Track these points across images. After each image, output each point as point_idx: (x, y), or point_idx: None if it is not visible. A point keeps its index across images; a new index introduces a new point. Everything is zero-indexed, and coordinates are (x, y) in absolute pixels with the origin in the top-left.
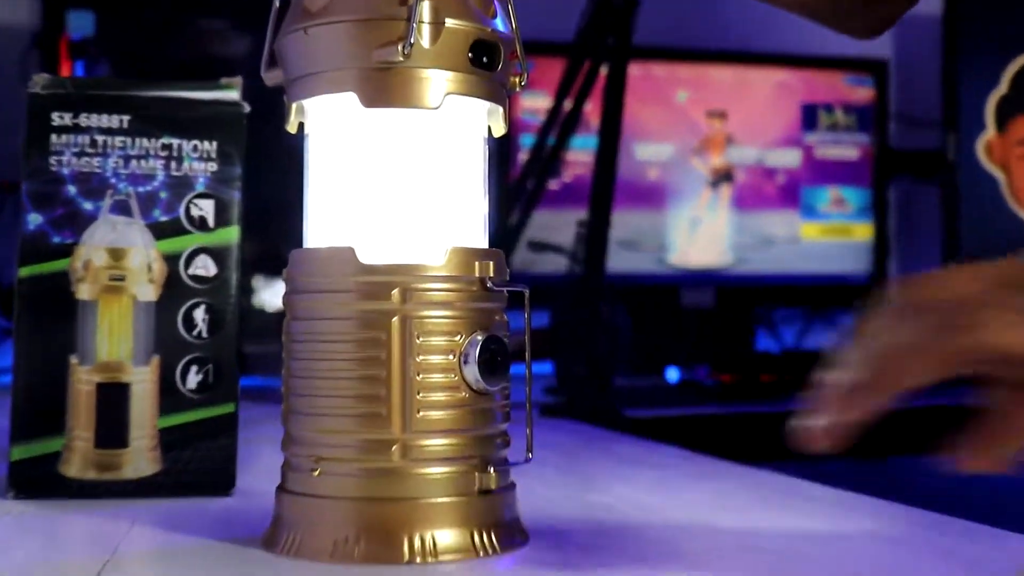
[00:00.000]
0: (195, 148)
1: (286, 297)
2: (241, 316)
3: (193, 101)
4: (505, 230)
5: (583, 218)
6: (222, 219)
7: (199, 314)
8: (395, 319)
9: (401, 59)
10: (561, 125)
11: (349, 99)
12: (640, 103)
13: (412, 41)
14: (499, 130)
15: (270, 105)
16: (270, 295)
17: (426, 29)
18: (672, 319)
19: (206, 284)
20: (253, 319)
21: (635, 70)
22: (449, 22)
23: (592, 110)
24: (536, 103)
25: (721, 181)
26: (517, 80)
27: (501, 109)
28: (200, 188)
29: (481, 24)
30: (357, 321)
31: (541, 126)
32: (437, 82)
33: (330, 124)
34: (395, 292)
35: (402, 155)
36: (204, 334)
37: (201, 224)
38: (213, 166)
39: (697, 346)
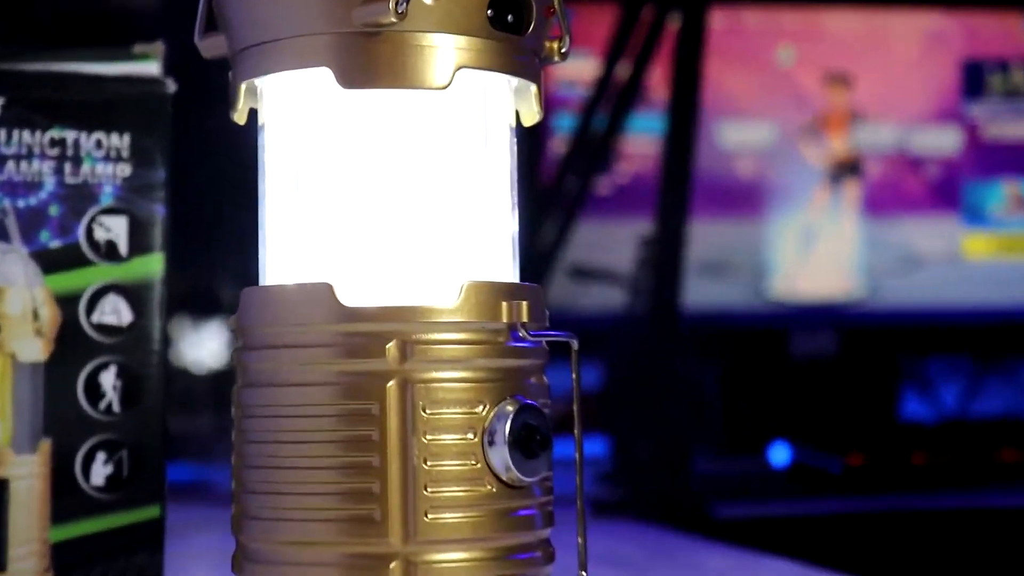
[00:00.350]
0: (98, 144)
1: (236, 355)
2: (168, 380)
3: (94, 78)
4: (535, 251)
5: (647, 232)
6: (139, 244)
7: (108, 379)
8: (391, 384)
9: (394, 20)
10: (614, 100)
11: (322, 77)
12: (726, 66)
13: None
14: (530, 116)
15: (206, 83)
16: (202, 349)
17: None
18: (777, 375)
19: (118, 336)
20: (178, 383)
21: (718, 20)
22: None
23: (657, 78)
24: (577, 70)
25: (844, 175)
26: (555, 46)
27: (533, 88)
28: (107, 201)
29: None
30: (338, 388)
31: (585, 102)
32: (444, 52)
33: (295, 112)
34: (391, 346)
35: (397, 154)
36: (116, 407)
37: (109, 252)
38: (125, 169)
39: (814, 414)
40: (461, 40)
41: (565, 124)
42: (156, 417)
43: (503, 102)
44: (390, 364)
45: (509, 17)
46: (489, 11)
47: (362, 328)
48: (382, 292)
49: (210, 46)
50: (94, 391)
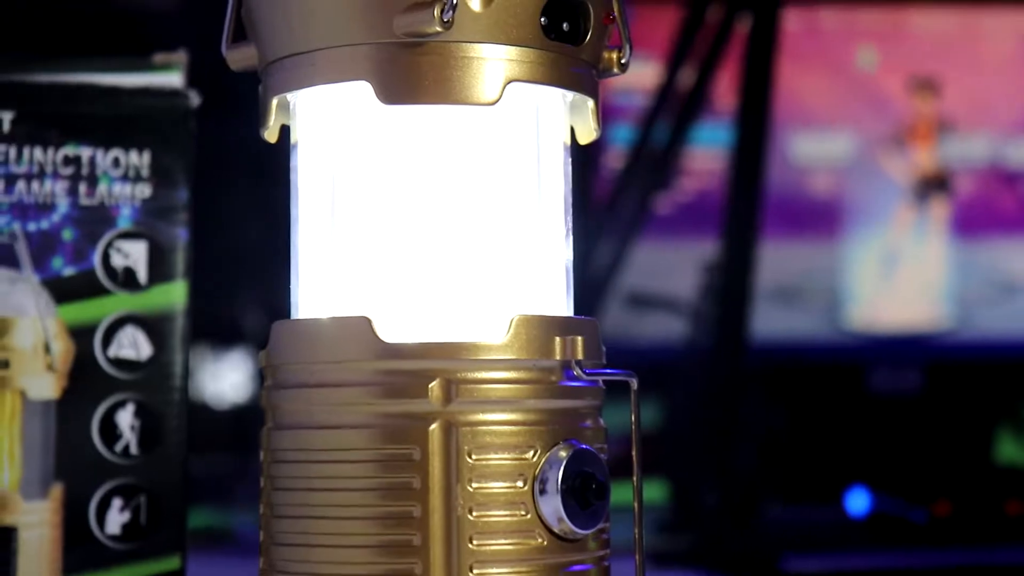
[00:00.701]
0: (116, 162)
1: (266, 394)
2: (189, 419)
3: (112, 90)
4: (589, 277)
5: (711, 255)
6: (160, 272)
7: (125, 418)
8: (434, 427)
9: (439, 29)
10: (676, 110)
11: (360, 92)
12: (800, 72)
13: (456, 2)
14: (587, 133)
15: (234, 97)
16: (225, 384)
17: None
18: (855, 414)
19: (136, 372)
20: (200, 421)
21: (792, 20)
22: None
23: (724, 86)
24: (636, 76)
25: (932, 192)
26: (614, 57)
27: (591, 103)
28: (125, 224)
29: None
30: (377, 431)
31: (644, 112)
32: (493, 64)
33: (331, 130)
34: (434, 386)
35: (442, 176)
36: (133, 449)
37: (127, 280)
38: (145, 190)
39: (896, 457)
40: (512, 51)
41: (622, 136)
42: (177, 460)
43: (557, 118)
44: (433, 405)
45: (564, 25)
46: (543, 19)
47: (403, 366)
48: (424, 327)
49: (239, 57)
50: (110, 432)
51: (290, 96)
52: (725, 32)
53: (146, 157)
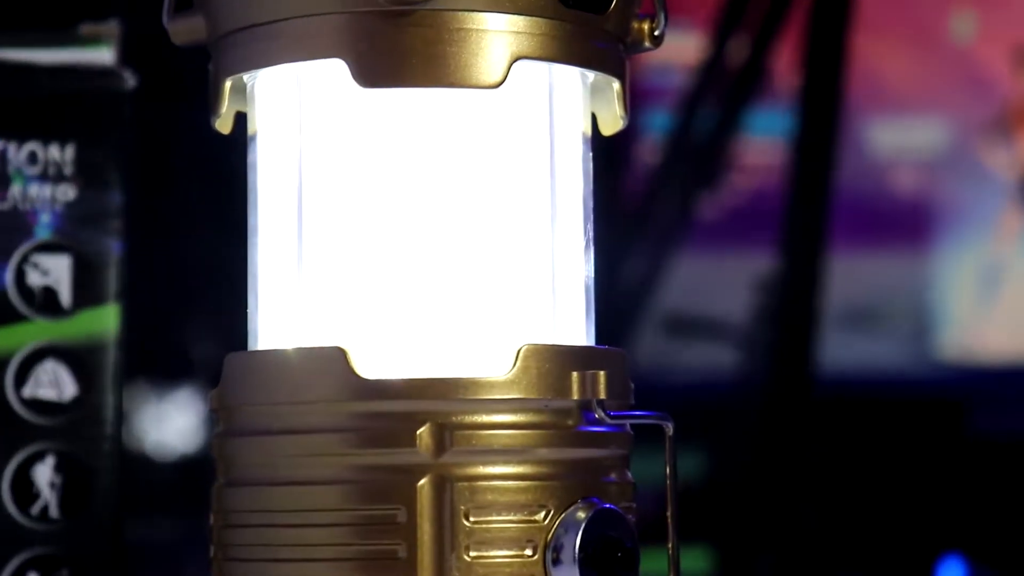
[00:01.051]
0: (32, 158)
1: (217, 442)
2: (123, 474)
3: (26, 69)
4: (617, 297)
5: (768, 270)
6: (87, 293)
7: (44, 473)
8: (424, 482)
9: None
10: (725, 92)
11: (334, 72)
12: (879, 44)
13: None
14: (612, 122)
15: (177, 78)
16: (167, 431)
17: None
18: (949, 462)
19: (58, 416)
20: (137, 476)
21: None
22: None
23: (785, 62)
24: (676, 50)
25: None
26: (645, 28)
27: (616, 84)
28: (44, 234)
29: None
30: (354, 487)
31: (686, 95)
32: (497, 37)
33: (297, 118)
34: (423, 432)
35: (433, 175)
36: (54, 513)
37: (47, 303)
38: (68, 192)
39: (998, 517)
40: (519, 21)
41: (658, 124)
42: (108, 525)
43: (575, 104)
44: (422, 455)
45: None
46: None
47: (385, 407)
48: (411, 359)
49: (183, 29)
50: (25, 490)
51: (247, 77)
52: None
53: (70, 152)
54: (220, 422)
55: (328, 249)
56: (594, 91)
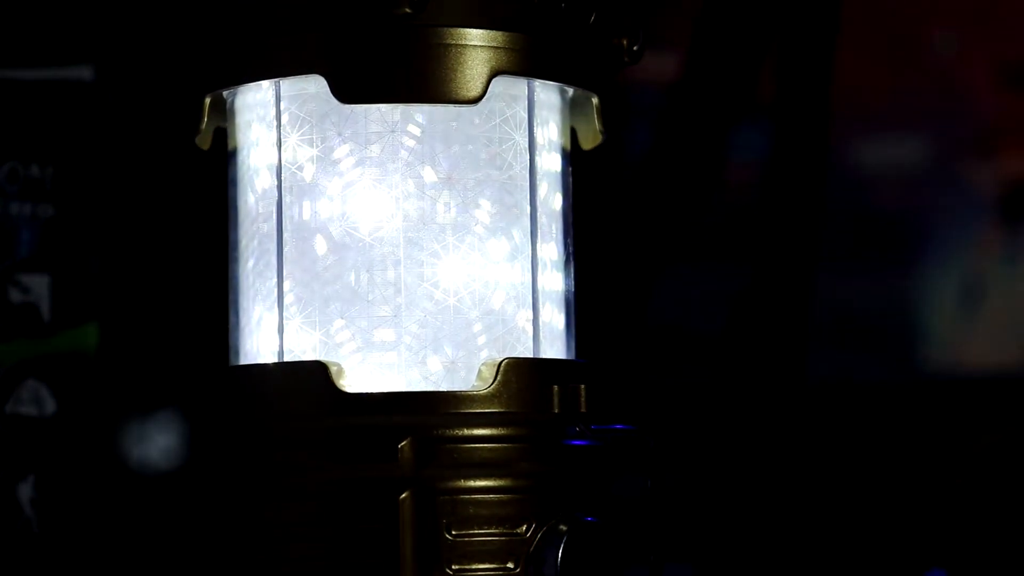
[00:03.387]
0: (12, 176)
1: (199, 457)
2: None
3: (8, 87)
4: (600, 312)
5: (751, 284)
6: (68, 310)
7: (24, 490)
8: (405, 496)
9: (408, 11)
10: (708, 104)
11: (313, 87)
12: (862, 59)
13: None
14: (591, 137)
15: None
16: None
17: None
18: (934, 478)
19: (38, 434)
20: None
21: None
22: None
23: (767, 76)
24: (658, 62)
25: (1021, 207)
26: (625, 44)
27: (595, 99)
28: (25, 252)
29: None
30: (336, 501)
31: (668, 105)
32: (475, 52)
33: (278, 134)
34: (404, 445)
35: (412, 188)
36: (35, 529)
37: (28, 321)
38: (48, 210)
39: (987, 533)
40: (498, 36)
41: (641, 137)
42: (89, 540)
43: (554, 119)
44: (403, 469)
45: (562, 3)
46: None
47: (366, 421)
48: (392, 374)
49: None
50: (6, 507)
51: (226, 93)
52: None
53: (49, 170)
54: (202, 437)
55: (307, 262)
56: (574, 106)
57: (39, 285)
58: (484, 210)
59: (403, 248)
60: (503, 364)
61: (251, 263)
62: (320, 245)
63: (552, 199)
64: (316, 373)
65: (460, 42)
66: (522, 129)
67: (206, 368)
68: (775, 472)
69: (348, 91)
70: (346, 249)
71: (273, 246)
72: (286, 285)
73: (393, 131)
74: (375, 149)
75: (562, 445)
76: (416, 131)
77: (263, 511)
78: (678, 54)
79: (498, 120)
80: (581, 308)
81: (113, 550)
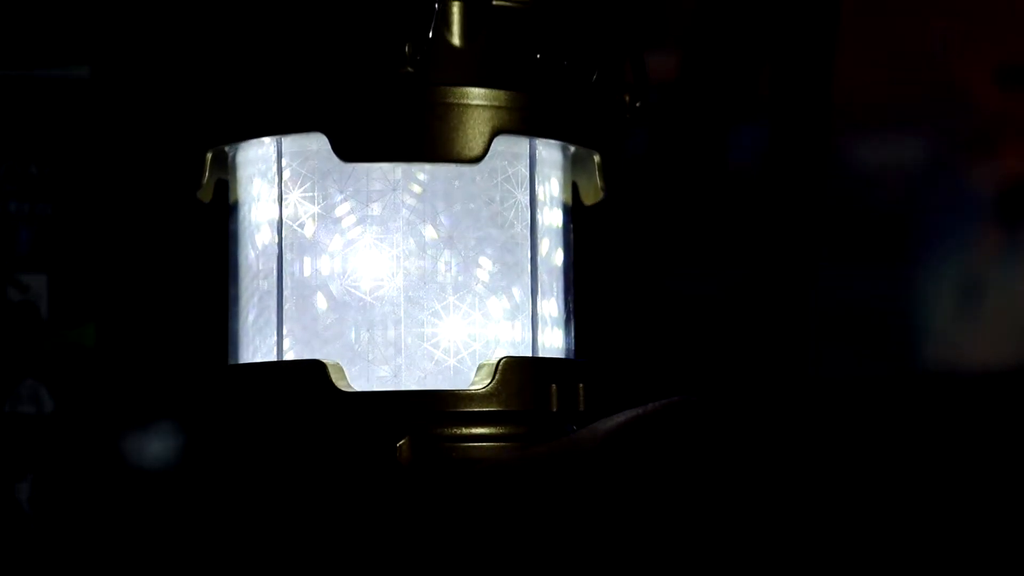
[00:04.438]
0: (10, 174)
1: (198, 456)
2: (103, 489)
3: (6, 86)
4: (599, 311)
5: (752, 283)
6: (66, 310)
7: (23, 489)
8: (404, 495)
9: (410, 70)
10: (706, 106)
11: (315, 145)
12: (860, 57)
13: (431, 36)
14: (592, 193)
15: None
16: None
17: (457, 12)
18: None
19: (38, 433)
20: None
21: None
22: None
23: (763, 75)
24: (655, 65)
25: (1020, 206)
26: (627, 100)
27: (597, 156)
28: (22, 251)
29: None
30: (333, 501)
31: (667, 110)
32: (477, 111)
33: (280, 190)
34: (403, 445)
35: (414, 247)
36: (34, 527)
37: (26, 320)
38: (45, 207)
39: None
40: (500, 95)
41: (638, 140)
42: (88, 539)
43: (556, 175)
44: (402, 468)
45: (564, 61)
46: (538, 53)
47: (364, 421)
48: (392, 371)
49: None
50: (6, 506)
51: (230, 150)
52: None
53: (48, 169)
54: (200, 437)
55: (308, 321)
56: (575, 161)
57: (37, 284)
58: (485, 269)
59: (404, 307)
60: (501, 363)
61: (251, 318)
62: (320, 302)
63: (553, 255)
64: (314, 372)
65: (462, 101)
66: (524, 187)
67: (204, 367)
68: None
69: (349, 149)
70: (346, 307)
71: (273, 303)
72: (286, 343)
73: (395, 189)
74: (376, 207)
75: None
76: (418, 189)
77: (260, 510)
78: (677, 54)
79: (500, 179)
80: (580, 305)
81: (112, 549)
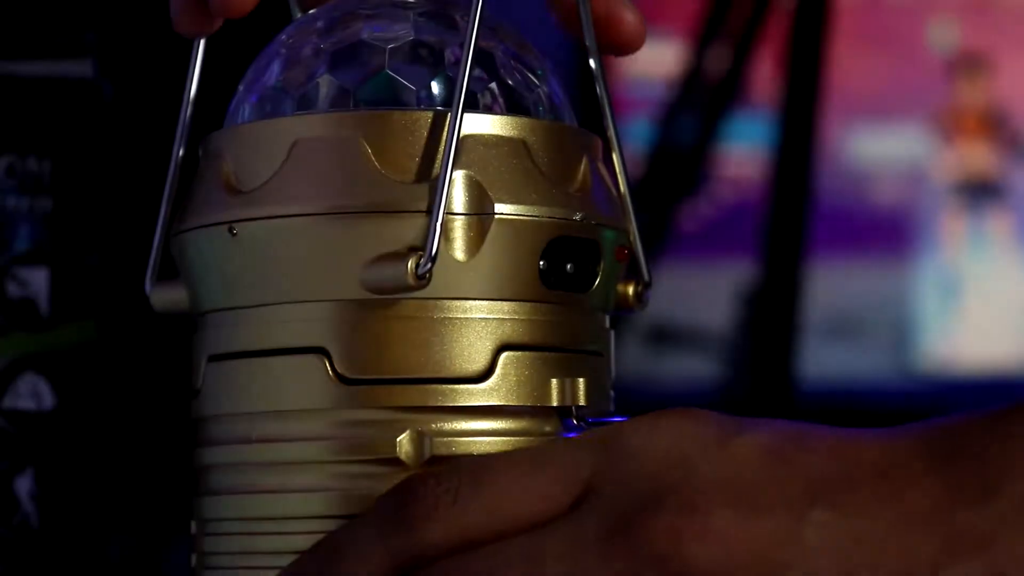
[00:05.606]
0: (10, 171)
1: (197, 450)
2: (102, 485)
3: (6, 80)
4: None
5: (748, 280)
6: (66, 305)
7: (23, 485)
8: None
9: (412, 284)
10: (705, 102)
11: (315, 361)
12: (859, 52)
13: (435, 251)
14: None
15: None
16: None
17: (460, 227)
18: None
19: (38, 428)
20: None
21: None
22: (505, 210)
23: (764, 71)
24: (655, 60)
25: (983, 197)
26: (631, 292)
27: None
28: (22, 247)
29: (564, 205)
30: (333, 497)
31: (666, 104)
32: (482, 326)
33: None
34: (403, 439)
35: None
36: (33, 524)
37: (25, 315)
38: (45, 203)
39: None
40: (504, 307)
41: (640, 133)
42: (88, 536)
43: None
44: (402, 462)
45: (568, 266)
46: (542, 263)
47: (365, 415)
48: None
49: (165, 299)
50: (5, 502)
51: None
52: (762, 6)
53: (47, 164)
54: (199, 430)
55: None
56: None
57: (37, 279)
58: None
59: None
60: (502, 356)
61: None
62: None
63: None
64: (315, 366)
65: (466, 316)
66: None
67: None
68: None
69: (350, 366)
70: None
71: None
72: None
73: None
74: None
75: (559, 437)
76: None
77: (261, 506)
78: (676, 48)
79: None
80: None
81: (113, 544)
